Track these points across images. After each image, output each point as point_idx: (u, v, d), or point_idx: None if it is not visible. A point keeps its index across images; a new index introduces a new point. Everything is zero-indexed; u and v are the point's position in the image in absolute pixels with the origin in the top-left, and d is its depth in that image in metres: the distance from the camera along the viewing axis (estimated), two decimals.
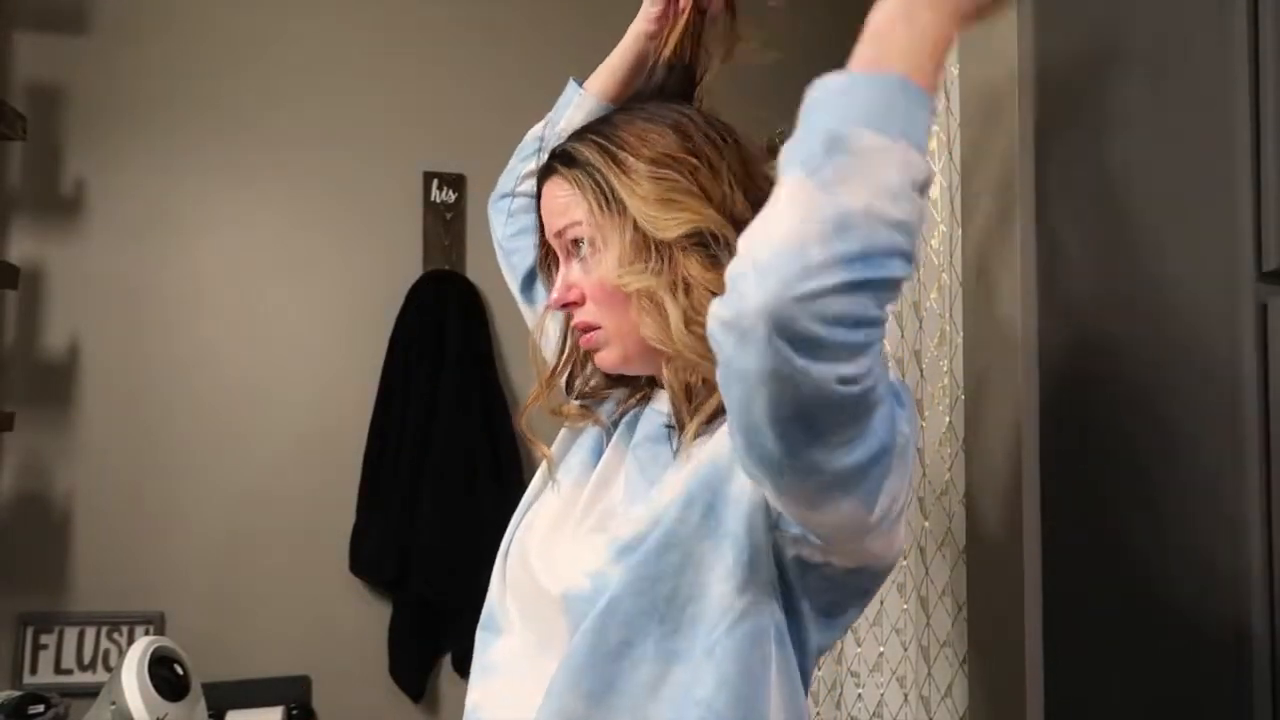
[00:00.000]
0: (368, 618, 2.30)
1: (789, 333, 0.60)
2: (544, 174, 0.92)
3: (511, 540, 0.99)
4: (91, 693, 1.78)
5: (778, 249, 0.61)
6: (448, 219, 2.39)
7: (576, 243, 0.89)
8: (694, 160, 0.84)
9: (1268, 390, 0.90)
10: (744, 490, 0.80)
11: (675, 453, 0.88)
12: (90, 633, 2.17)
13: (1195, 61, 0.97)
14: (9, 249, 2.19)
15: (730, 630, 0.79)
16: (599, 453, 0.97)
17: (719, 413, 0.84)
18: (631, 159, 0.85)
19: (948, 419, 1.46)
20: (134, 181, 2.25)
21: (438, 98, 2.41)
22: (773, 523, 0.79)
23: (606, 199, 0.85)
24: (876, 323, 0.63)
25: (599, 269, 0.87)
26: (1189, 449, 0.98)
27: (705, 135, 0.87)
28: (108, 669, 2.14)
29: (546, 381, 0.99)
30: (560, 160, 0.90)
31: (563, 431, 1.04)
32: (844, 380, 0.62)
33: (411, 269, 2.36)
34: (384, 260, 2.36)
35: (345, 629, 2.30)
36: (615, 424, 0.98)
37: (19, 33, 2.22)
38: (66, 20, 2.24)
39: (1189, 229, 0.98)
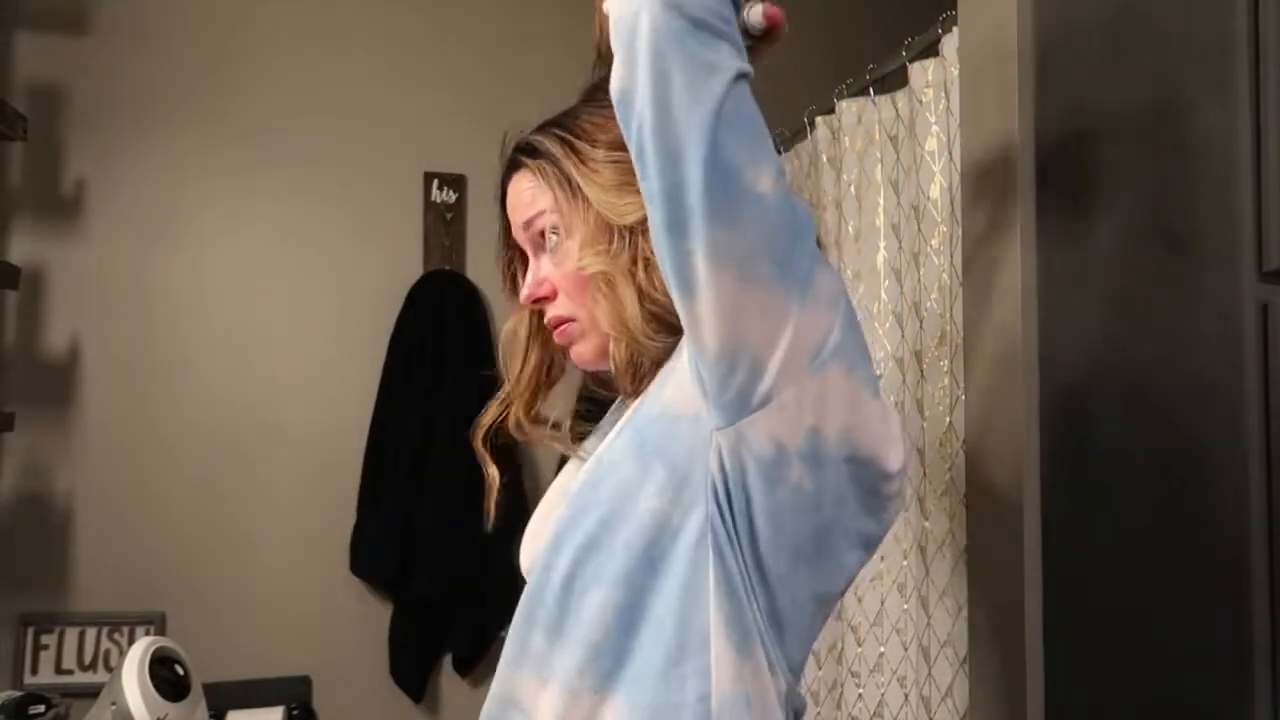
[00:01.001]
0: (368, 618, 2.30)
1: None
2: (508, 169, 0.93)
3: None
4: (92, 693, 1.78)
5: None
6: (448, 219, 2.39)
7: (543, 235, 0.90)
8: None
9: (1269, 390, 0.90)
10: (668, 406, 0.80)
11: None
12: (91, 633, 2.17)
13: (1196, 60, 0.97)
14: (9, 249, 2.19)
15: (671, 545, 0.79)
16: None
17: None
18: (588, 147, 0.86)
19: (948, 419, 1.46)
20: (134, 181, 2.25)
21: (438, 98, 2.41)
22: (710, 429, 0.77)
23: (569, 188, 0.87)
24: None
25: (569, 259, 0.88)
26: (1189, 449, 0.98)
27: None
28: (108, 669, 2.14)
29: (509, 396, 0.98)
30: (524, 152, 0.91)
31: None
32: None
33: (411, 269, 2.36)
34: (384, 260, 2.36)
35: (345, 629, 2.30)
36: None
37: (19, 33, 2.22)
38: (66, 20, 2.24)
39: (1189, 229, 0.98)
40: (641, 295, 0.83)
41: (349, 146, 2.36)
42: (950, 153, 1.47)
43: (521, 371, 0.98)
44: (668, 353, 0.85)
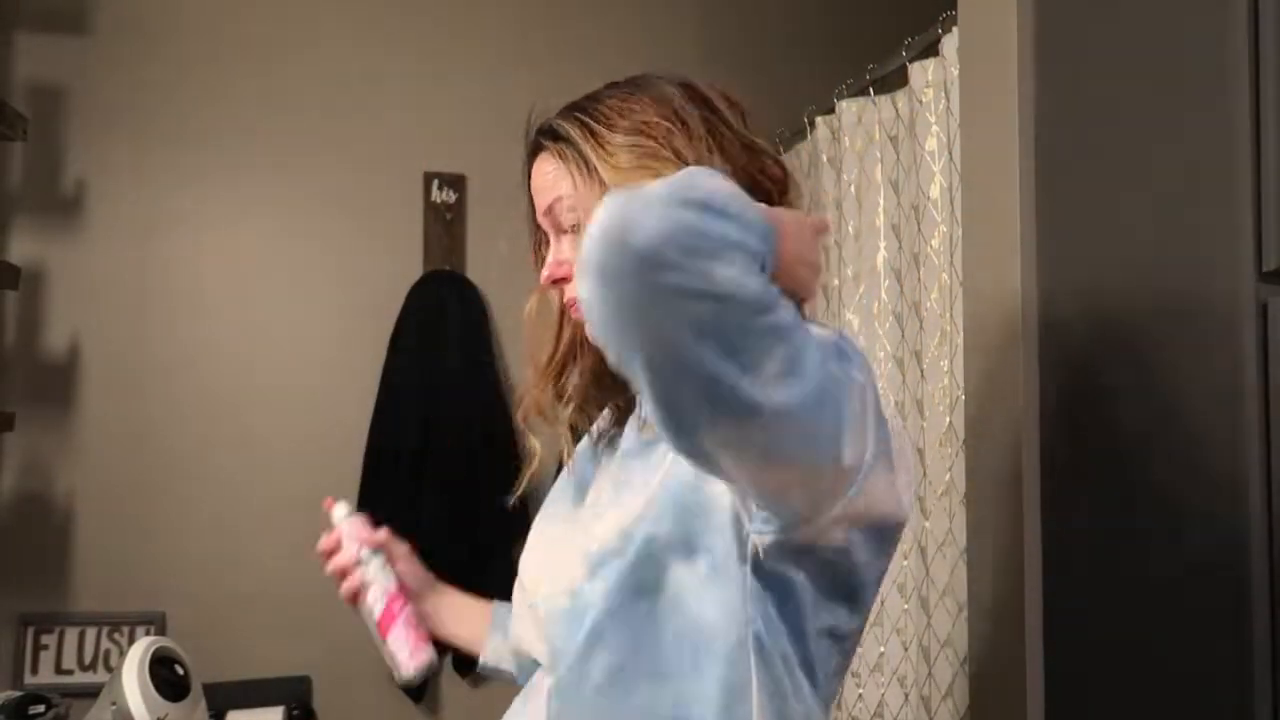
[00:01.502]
0: None
1: (665, 239, 0.60)
2: (531, 151, 0.93)
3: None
4: (92, 693, 1.78)
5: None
6: (448, 219, 2.39)
7: (565, 219, 0.90)
8: (668, 125, 0.85)
9: (1268, 390, 0.90)
10: (713, 501, 0.80)
11: (642, 443, 0.88)
12: (91, 633, 2.17)
13: (1195, 61, 0.98)
14: (9, 249, 2.19)
15: (710, 644, 0.79)
16: (588, 480, 0.97)
17: None
18: (607, 132, 0.85)
19: (948, 419, 1.46)
20: (134, 182, 2.25)
21: (438, 98, 2.41)
22: (748, 531, 0.78)
23: (587, 171, 0.86)
24: (735, 246, 0.62)
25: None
26: (1189, 448, 0.98)
27: (685, 101, 0.87)
28: (108, 669, 2.14)
29: (542, 371, 0.97)
30: (545, 135, 0.91)
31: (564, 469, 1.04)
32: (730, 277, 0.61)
33: (411, 269, 2.36)
34: (384, 260, 2.36)
35: (345, 629, 2.29)
36: (608, 443, 0.98)
37: (19, 33, 2.22)
38: (67, 20, 2.24)
39: (1189, 229, 0.98)
40: None
41: (349, 146, 2.36)
42: (950, 153, 1.47)
43: (556, 347, 0.97)
44: None
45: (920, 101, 1.56)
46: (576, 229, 0.88)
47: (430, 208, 2.39)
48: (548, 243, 0.93)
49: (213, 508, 2.25)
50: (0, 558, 2.16)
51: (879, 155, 1.73)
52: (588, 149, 0.86)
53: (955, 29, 1.44)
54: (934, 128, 1.52)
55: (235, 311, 2.29)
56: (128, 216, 2.24)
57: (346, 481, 2.28)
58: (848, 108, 1.81)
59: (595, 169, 0.85)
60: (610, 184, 0.83)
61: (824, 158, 1.91)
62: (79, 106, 2.23)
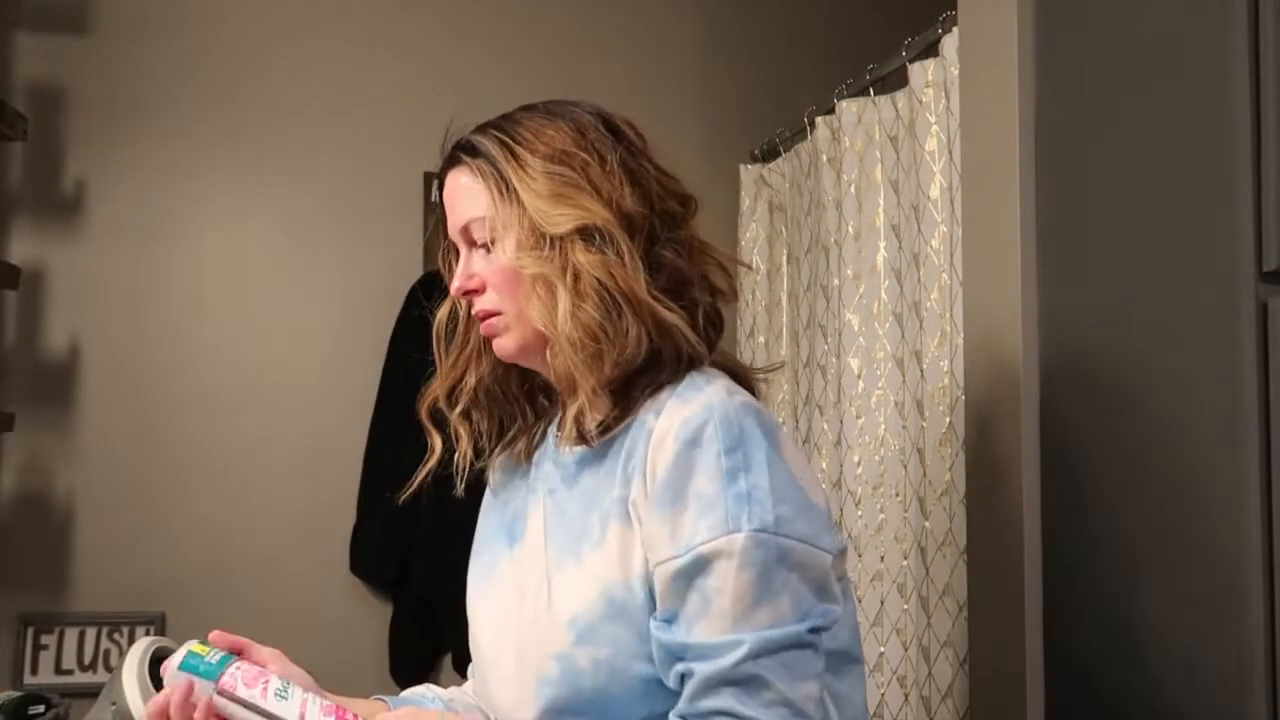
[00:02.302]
0: (368, 618, 2.30)
1: None
2: (447, 164, 0.96)
3: (472, 594, 1.04)
4: (92, 693, 1.77)
5: None
6: None
7: (476, 231, 0.92)
8: (586, 156, 0.88)
9: (1268, 390, 0.90)
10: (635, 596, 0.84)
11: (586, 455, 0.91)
12: (91, 633, 2.17)
13: (1195, 62, 0.98)
14: (9, 249, 2.19)
15: None
16: (524, 512, 1.01)
17: (616, 418, 0.87)
18: (528, 154, 0.88)
19: (948, 419, 1.46)
20: (134, 182, 2.25)
21: (438, 98, 2.41)
22: None
23: (505, 190, 0.88)
24: None
25: (501, 257, 0.90)
26: (1189, 448, 0.98)
27: (599, 133, 0.90)
28: (108, 669, 2.14)
29: (444, 372, 1.03)
30: (464, 150, 0.93)
31: (486, 495, 1.08)
32: None
33: (411, 269, 2.36)
34: (384, 260, 2.36)
35: (345, 629, 2.30)
36: (528, 456, 1.01)
37: (19, 33, 2.22)
38: (67, 20, 2.24)
39: (1189, 229, 0.98)
40: (573, 303, 0.85)
41: (349, 147, 2.36)
42: (950, 153, 1.47)
43: (460, 351, 1.01)
44: (604, 385, 0.85)
45: (920, 101, 1.56)
46: (489, 246, 0.91)
47: (430, 208, 2.38)
48: (458, 253, 0.95)
49: (213, 507, 2.25)
50: (0, 558, 2.16)
51: (879, 155, 1.73)
52: (508, 169, 0.88)
53: (955, 29, 1.44)
54: (934, 128, 1.52)
55: (235, 311, 2.29)
56: (128, 216, 2.25)
57: (346, 481, 2.28)
58: (848, 108, 1.81)
59: (515, 190, 0.87)
60: (529, 207, 0.86)
61: (824, 158, 1.91)
62: (79, 106, 2.23)
